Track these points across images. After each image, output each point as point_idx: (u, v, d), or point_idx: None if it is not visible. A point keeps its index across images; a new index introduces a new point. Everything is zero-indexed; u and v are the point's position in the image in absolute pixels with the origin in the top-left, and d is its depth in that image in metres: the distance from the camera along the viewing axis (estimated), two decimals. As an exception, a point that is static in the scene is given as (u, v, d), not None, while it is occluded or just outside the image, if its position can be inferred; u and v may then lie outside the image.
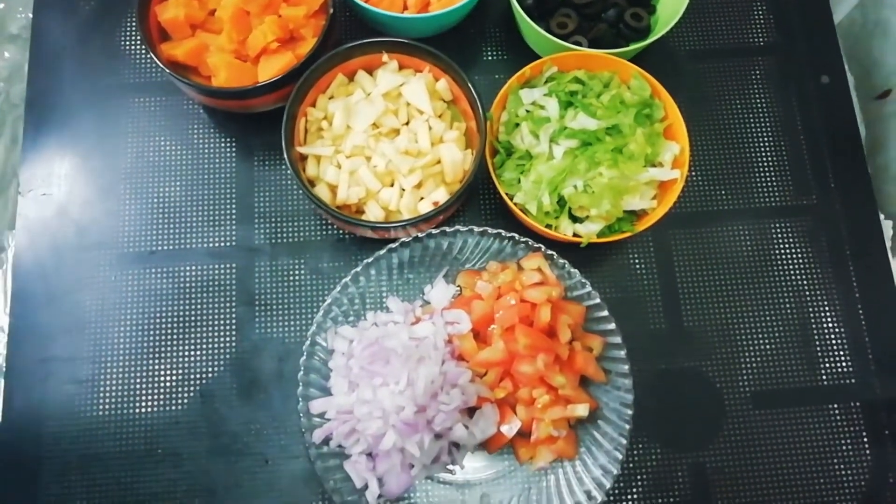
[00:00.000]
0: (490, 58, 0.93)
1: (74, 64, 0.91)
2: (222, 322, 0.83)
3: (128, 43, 0.92)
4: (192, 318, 0.83)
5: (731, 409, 0.82)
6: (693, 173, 0.89)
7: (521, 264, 0.79)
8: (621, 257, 0.86)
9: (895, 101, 0.96)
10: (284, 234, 0.86)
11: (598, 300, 0.76)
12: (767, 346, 0.84)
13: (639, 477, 0.79)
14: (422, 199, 0.80)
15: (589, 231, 0.77)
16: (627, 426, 0.73)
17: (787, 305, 0.85)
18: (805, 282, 0.86)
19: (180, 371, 0.81)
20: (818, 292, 0.86)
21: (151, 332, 0.82)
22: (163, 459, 0.79)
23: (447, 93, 0.83)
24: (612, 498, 0.79)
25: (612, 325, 0.76)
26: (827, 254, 0.87)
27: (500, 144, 0.81)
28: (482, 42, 0.93)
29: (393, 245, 0.77)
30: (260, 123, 0.87)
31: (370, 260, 0.78)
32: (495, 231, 0.77)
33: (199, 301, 0.83)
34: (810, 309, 0.85)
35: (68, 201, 0.87)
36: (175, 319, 0.83)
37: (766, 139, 0.91)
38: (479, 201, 0.87)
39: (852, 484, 0.80)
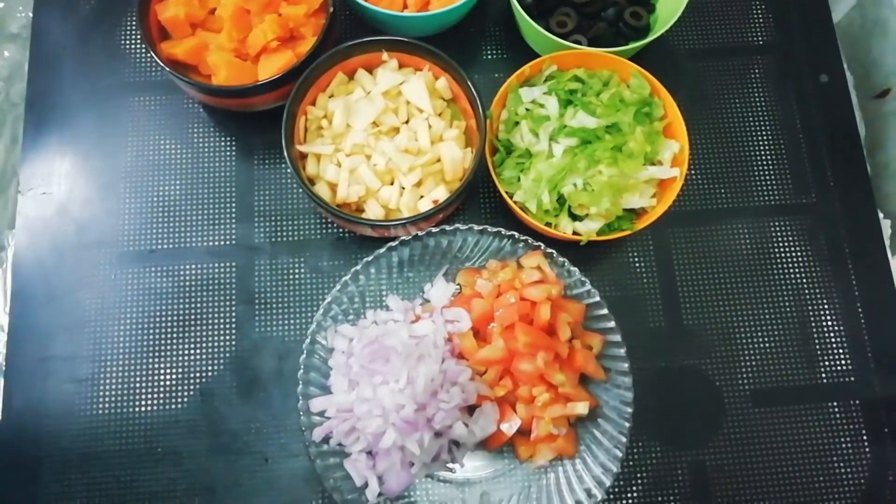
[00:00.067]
0: (489, 57, 0.93)
1: (74, 63, 0.91)
2: (222, 321, 0.83)
3: (128, 42, 0.92)
4: (192, 317, 0.83)
5: (731, 407, 0.82)
6: (692, 172, 0.89)
7: (521, 262, 0.79)
8: (621, 256, 0.86)
9: (894, 100, 0.96)
10: (284, 233, 0.86)
11: (597, 298, 0.77)
12: (767, 344, 0.84)
13: (639, 475, 0.79)
14: (421, 197, 0.80)
15: (588, 229, 0.78)
16: (627, 424, 0.73)
17: (787, 303, 0.85)
18: (804, 280, 0.86)
19: (180, 370, 0.81)
20: (817, 290, 0.86)
21: (151, 331, 0.82)
22: (163, 458, 0.79)
23: (447, 91, 0.83)
24: (612, 496, 0.79)
25: (612, 324, 0.76)
26: (826, 252, 0.87)
27: (499, 143, 0.81)
28: (482, 41, 0.93)
29: (393, 243, 0.78)
30: (260, 122, 0.87)
31: (370, 258, 0.78)
32: (495, 229, 0.77)
33: (198, 300, 0.83)
34: (809, 307, 0.85)
35: (68, 200, 0.87)
36: (175, 318, 0.83)
37: (765, 138, 0.91)
38: (479, 200, 0.87)
39: (852, 482, 0.80)
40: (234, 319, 0.83)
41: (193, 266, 0.85)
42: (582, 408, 0.75)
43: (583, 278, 0.77)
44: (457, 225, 0.78)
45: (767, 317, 0.85)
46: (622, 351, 0.75)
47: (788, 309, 0.85)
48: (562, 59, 0.81)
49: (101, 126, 0.89)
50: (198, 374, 0.81)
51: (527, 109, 0.81)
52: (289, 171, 0.87)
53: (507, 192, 0.79)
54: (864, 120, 0.98)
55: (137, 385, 0.81)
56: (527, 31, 0.87)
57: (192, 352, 0.82)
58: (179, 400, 0.80)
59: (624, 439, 0.73)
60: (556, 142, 0.78)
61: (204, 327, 0.83)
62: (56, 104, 0.89)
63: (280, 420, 0.80)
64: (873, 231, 0.88)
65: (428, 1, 0.85)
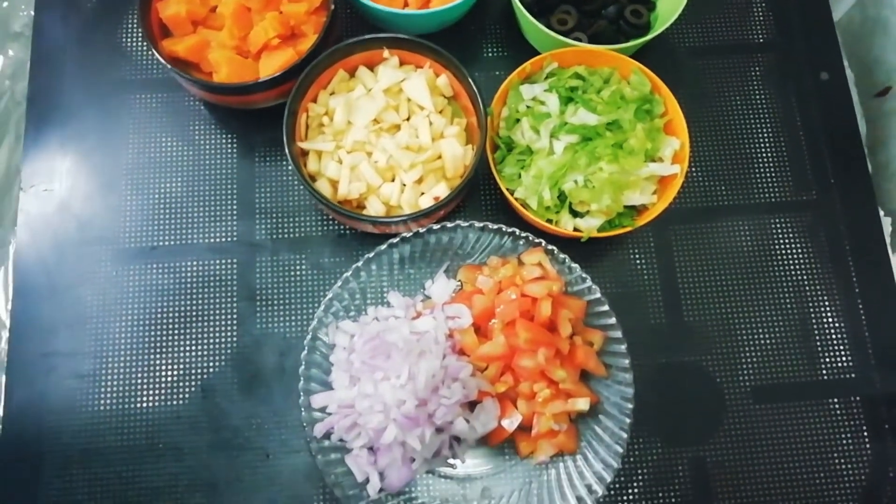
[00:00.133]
0: (490, 54, 0.93)
1: (76, 60, 0.91)
2: (223, 317, 0.83)
3: (129, 40, 0.92)
4: (194, 314, 0.83)
5: (732, 403, 0.82)
6: (693, 169, 0.89)
7: (522, 259, 0.79)
8: (621, 253, 0.86)
9: (895, 98, 0.96)
10: (285, 230, 0.86)
11: (598, 295, 0.77)
12: (767, 341, 0.84)
13: (639, 471, 0.80)
14: (422, 194, 0.80)
15: (589, 226, 0.78)
16: (628, 420, 0.73)
17: (787, 300, 0.86)
18: (805, 277, 0.86)
19: (182, 366, 0.82)
20: (818, 287, 0.86)
21: (153, 328, 0.83)
22: (164, 454, 0.79)
23: (448, 88, 0.83)
24: (612, 492, 0.79)
25: (613, 320, 0.76)
26: (826, 249, 0.87)
27: (500, 140, 0.81)
28: (482, 39, 0.93)
29: (394, 240, 0.78)
30: (261, 120, 0.87)
31: (371, 255, 0.78)
32: (496, 226, 0.78)
33: (200, 296, 0.84)
34: (810, 304, 0.85)
35: (70, 197, 0.87)
36: (176, 315, 0.83)
37: (765, 135, 0.91)
38: (480, 197, 0.87)
39: (852, 478, 0.80)
40: (235, 316, 0.83)
41: (195, 263, 0.85)
42: (583, 404, 0.75)
43: (584, 275, 0.77)
44: (458, 222, 0.78)
45: (768, 313, 0.85)
46: (623, 347, 0.75)
47: (789, 305, 0.85)
48: (562, 56, 0.82)
49: (102, 123, 0.89)
50: (199, 371, 0.81)
51: (528, 106, 0.81)
52: (290, 168, 0.87)
53: (507, 189, 0.79)
54: (865, 118, 0.98)
55: (139, 381, 0.81)
56: (528, 29, 0.87)
57: (193, 348, 0.82)
58: (181, 396, 0.81)
59: (625, 435, 0.73)
60: (556, 139, 0.78)
61: (205, 324, 0.83)
62: (57, 102, 0.90)
63: (281, 416, 0.80)
64: (874, 228, 0.88)
65: (429, -1, 0.86)
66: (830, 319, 0.85)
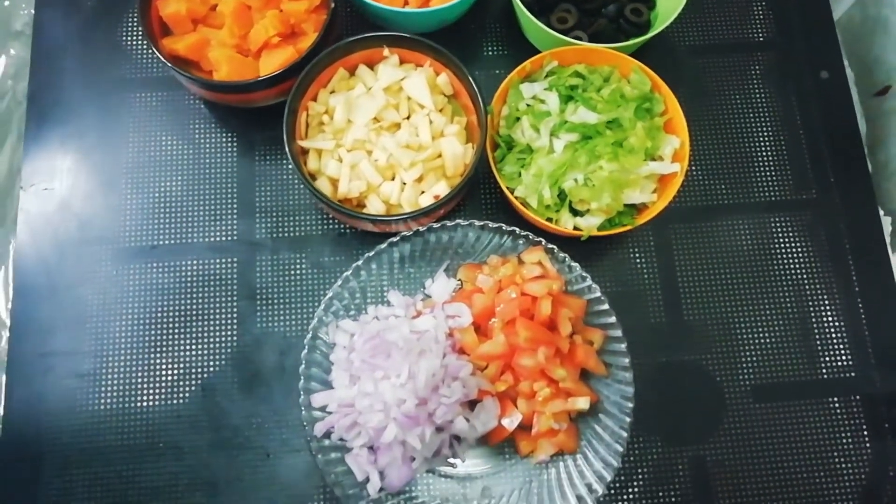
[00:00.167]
0: (490, 53, 0.93)
1: (76, 59, 0.91)
2: (223, 316, 0.83)
3: (129, 38, 0.92)
4: (194, 313, 0.83)
5: (732, 402, 0.82)
6: (693, 168, 0.89)
7: (522, 258, 0.79)
8: (621, 252, 0.86)
9: (894, 97, 0.96)
10: (286, 229, 0.86)
11: (598, 294, 0.77)
12: (767, 340, 0.84)
13: (640, 470, 0.80)
14: (423, 192, 0.80)
15: (589, 224, 0.78)
16: (628, 419, 0.73)
17: (787, 299, 0.86)
18: (805, 276, 0.86)
19: (182, 365, 0.81)
20: (818, 286, 0.86)
21: (153, 327, 0.83)
22: (164, 453, 0.79)
23: (448, 87, 0.83)
24: (612, 491, 0.79)
25: (613, 319, 0.76)
26: (826, 248, 0.87)
27: (500, 138, 0.81)
28: (482, 38, 0.93)
29: (394, 239, 0.78)
30: (261, 119, 0.87)
31: (371, 254, 0.78)
32: (496, 225, 0.78)
33: (200, 295, 0.84)
34: (810, 303, 0.85)
35: (70, 196, 0.87)
36: (176, 314, 0.83)
37: (765, 134, 0.91)
38: (480, 195, 0.87)
39: (852, 477, 0.80)
40: (235, 315, 0.83)
41: (195, 262, 0.85)
42: (583, 403, 0.75)
43: (584, 274, 0.77)
44: (458, 220, 0.78)
45: (768, 312, 0.85)
46: (623, 346, 0.75)
47: (789, 304, 0.85)
48: (562, 54, 0.82)
49: (102, 122, 0.89)
50: (199, 370, 0.81)
51: (528, 105, 0.81)
52: (290, 166, 0.87)
53: (507, 188, 0.79)
54: (865, 117, 0.98)
55: (139, 380, 0.81)
56: (528, 28, 0.87)
57: (193, 347, 0.82)
58: (181, 395, 0.81)
59: (625, 434, 0.73)
60: (556, 137, 0.78)
61: (205, 323, 0.83)
62: (58, 100, 0.90)
63: (281, 415, 0.80)
64: (874, 226, 0.88)
65: (429, -3, 0.86)
66: (830, 318, 0.85)
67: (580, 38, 0.85)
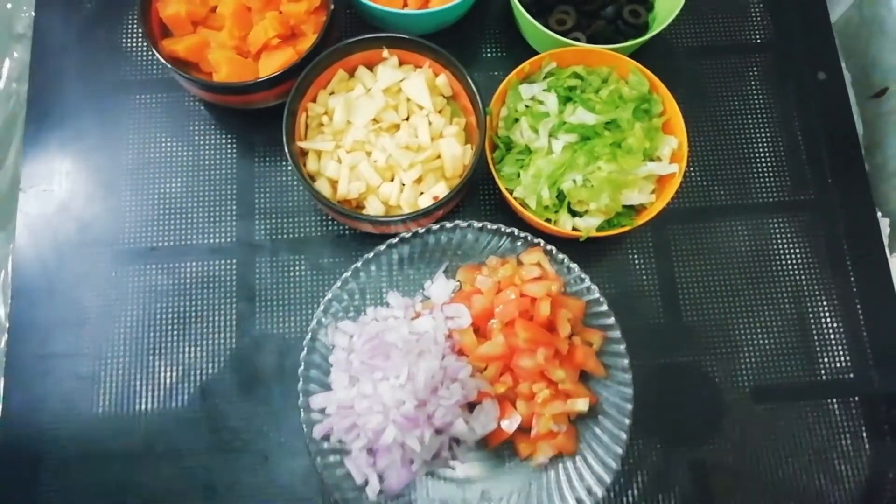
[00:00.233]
0: (489, 55, 0.93)
1: (76, 61, 0.91)
2: (222, 318, 0.83)
3: (129, 40, 0.92)
4: (193, 315, 0.83)
5: (731, 404, 0.82)
6: (691, 170, 0.89)
7: (521, 259, 0.79)
8: (620, 253, 0.86)
9: (892, 99, 0.97)
10: (285, 231, 0.86)
11: (597, 295, 0.77)
12: (766, 341, 0.84)
13: (639, 472, 0.79)
14: (422, 193, 0.80)
15: (588, 225, 0.78)
16: (627, 421, 0.73)
17: (786, 300, 0.86)
18: (803, 277, 0.86)
19: (180, 367, 0.81)
20: (816, 287, 0.86)
21: (152, 329, 0.82)
22: (162, 456, 0.79)
23: (447, 88, 0.83)
24: (612, 494, 0.79)
25: (612, 320, 0.76)
26: (825, 249, 0.87)
27: (499, 139, 0.82)
28: (481, 39, 0.94)
29: (393, 241, 0.78)
30: (260, 120, 0.87)
31: (370, 255, 0.78)
32: (495, 226, 0.78)
33: (199, 297, 0.83)
34: (808, 304, 0.85)
35: (69, 198, 0.87)
36: (175, 315, 0.83)
37: (763, 135, 0.91)
38: (479, 197, 0.87)
39: (852, 478, 0.80)
40: (234, 317, 0.83)
41: (194, 263, 0.85)
42: (582, 404, 0.74)
43: (582, 275, 0.77)
44: (457, 222, 0.78)
45: (767, 313, 0.85)
46: (622, 347, 0.75)
47: (787, 306, 0.85)
48: (561, 56, 0.82)
49: (102, 124, 0.89)
50: (198, 372, 0.81)
51: (526, 106, 0.81)
52: (289, 168, 0.87)
53: (506, 189, 0.79)
54: (862, 119, 0.98)
55: (137, 383, 0.81)
56: (526, 29, 0.87)
57: (192, 349, 0.82)
58: (180, 398, 0.80)
59: (624, 436, 0.73)
60: (555, 138, 0.78)
61: (204, 325, 0.83)
62: (57, 102, 0.90)
63: (280, 418, 0.80)
64: (871, 227, 0.88)
65: (428, -1, 0.86)
66: (829, 319, 0.85)
67: (579, 40, 0.85)
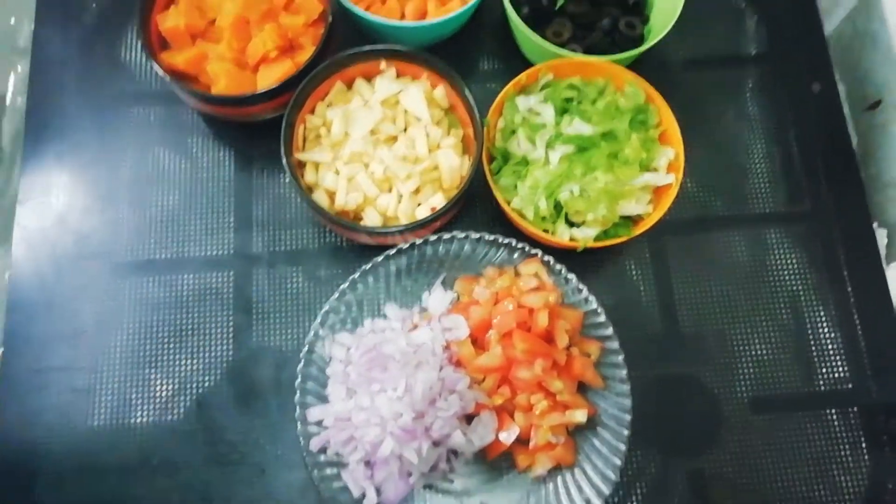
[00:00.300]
0: (485, 67, 0.94)
1: (75, 74, 0.91)
2: (219, 330, 0.83)
3: (128, 53, 0.93)
4: (190, 327, 0.83)
5: (729, 414, 0.81)
6: (688, 181, 0.90)
7: (519, 270, 0.79)
8: (617, 264, 0.87)
9: (886, 111, 0.97)
10: (282, 242, 0.86)
11: (595, 305, 0.77)
12: (764, 352, 0.84)
13: (638, 484, 0.79)
14: (419, 205, 0.80)
15: (585, 236, 0.78)
16: (626, 432, 0.73)
17: (783, 311, 0.86)
18: (800, 287, 0.87)
19: (177, 380, 0.81)
20: (813, 298, 0.86)
21: (148, 341, 0.82)
22: (158, 469, 0.78)
23: (444, 100, 0.84)
24: (611, 505, 0.78)
25: (610, 331, 0.76)
26: (821, 259, 0.88)
27: (496, 151, 0.82)
28: (478, 52, 0.94)
29: (390, 252, 0.78)
30: (258, 133, 0.87)
31: (368, 267, 0.78)
32: (492, 237, 0.78)
33: (196, 309, 0.83)
34: (806, 314, 0.86)
35: (67, 210, 0.87)
36: (172, 328, 0.83)
37: (759, 146, 0.92)
38: (477, 208, 0.88)
39: (852, 489, 0.79)
40: (231, 329, 0.83)
41: (191, 276, 0.84)
42: (580, 415, 0.74)
43: (580, 286, 0.77)
44: (454, 233, 0.78)
45: (764, 324, 0.85)
46: (620, 358, 0.75)
47: (785, 316, 0.85)
48: (558, 67, 0.82)
49: (100, 137, 0.89)
50: (195, 385, 0.81)
51: (523, 118, 0.81)
52: (287, 180, 0.87)
53: (504, 200, 0.79)
54: (857, 132, 0.98)
55: (134, 396, 0.80)
56: (523, 42, 0.88)
57: (189, 362, 0.82)
58: (176, 410, 0.80)
59: (623, 447, 0.73)
60: (552, 149, 0.79)
61: (201, 337, 0.82)
62: (56, 115, 0.90)
63: (277, 430, 0.79)
64: (868, 237, 0.89)
65: (425, 11, 0.86)
66: (826, 330, 0.85)
67: (575, 52, 0.85)
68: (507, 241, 0.78)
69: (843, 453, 0.81)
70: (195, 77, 0.84)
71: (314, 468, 0.73)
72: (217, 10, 0.83)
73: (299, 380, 0.75)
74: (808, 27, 0.97)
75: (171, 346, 0.82)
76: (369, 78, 0.84)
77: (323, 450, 0.74)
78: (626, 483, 0.79)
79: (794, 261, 0.88)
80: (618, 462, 0.73)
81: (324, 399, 0.76)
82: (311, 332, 0.76)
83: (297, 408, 0.74)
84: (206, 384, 0.81)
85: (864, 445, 0.81)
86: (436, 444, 0.73)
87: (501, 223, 0.86)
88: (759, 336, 0.85)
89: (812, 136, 0.93)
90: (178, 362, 0.82)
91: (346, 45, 0.82)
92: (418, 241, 0.78)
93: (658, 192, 0.81)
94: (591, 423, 0.76)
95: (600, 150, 0.77)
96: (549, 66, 0.82)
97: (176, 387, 0.81)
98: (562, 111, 0.80)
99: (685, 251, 0.87)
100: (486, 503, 0.76)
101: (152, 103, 0.91)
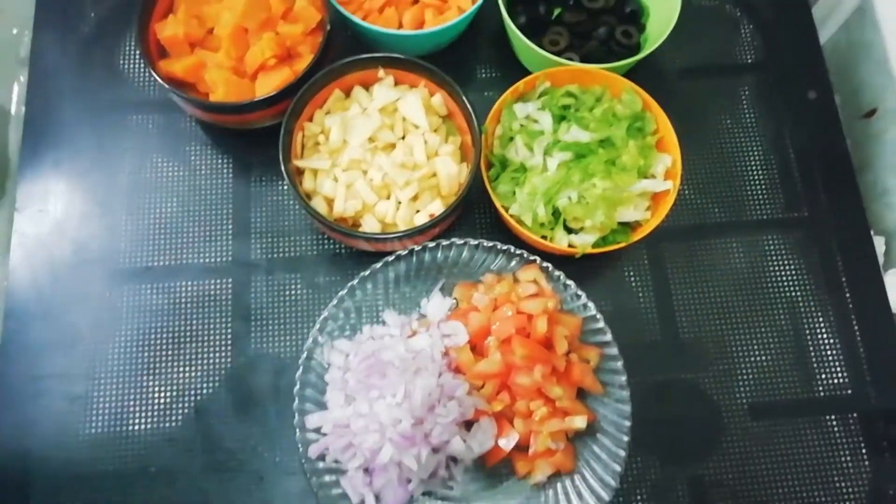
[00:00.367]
0: (483, 76, 0.94)
1: (73, 82, 0.92)
2: (218, 337, 0.82)
3: (126, 62, 0.93)
4: (188, 334, 0.82)
5: (729, 421, 0.81)
6: (685, 187, 0.90)
7: (517, 276, 0.79)
8: (616, 271, 0.87)
9: (881, 119, 0.98)
10: (281, 250, 0.86)
11: (593, 312, 0.77)
12: (763, 358, 0.84)
13: (638, 490, 0.79)
14: (418, 211, 0.80)
15: (584, 242, 0.78)
16: (626, 438, 0.73)
17: (782, 317, 0.86)
18: (798, 294, 0.87)
19: (175, 387, 0.81)
20: (812, 304, 0.86)
21: (146, 349, 0.82)
22: (156, 478, 0.78)
23: (442, 108, 0.84)
24: (611, 512, 0.78)
25: (609, 337, 0.76)
26: (819, 266, 0.88)
27: (494, 158, 0.82)
28: (475, 60, 0.95)
29: (389, 258, 0.78)
30: (257, 141, 0.87)
31: (366, 273, 0.78)
32: (491, 244, 0.78)
33: (194, 317, 0.83)
34: (804, 320, 0.86)
35: (65, 218, 0.87)
36: (170, 335, 0.82)
37: (755, 153, 0.92)
38: (475, 215, 0.88)
39: (852, 495, 0.79)
40: (229, 336, 0.82)
41: (189, 283, 0.84)
42: (580, 422, 0.74)
43: (579, 292, 0.77)
44: (453, 239, 0.78)
45: (763, 330, 0.85)
46: (619, 364, 0.75)
47: (783, 323, 0.86)
48: (555, 75, 0.83)
49: (98, 145, 0.90)
50: (193, 392, 0.80)
51: (521, 125, 0.82)
52: (285, 187, 0.88)
53: (502, 206, 0.79)
54: (853, 140, 0.99)
55: (131, 403, 0.80)
56: (521, 50, 0.88)
57: (187, 369, 0.81)
58: (174, 418, 0.80)
59: (623, 454, 0.72)
60: (550, 156, 0.79)
61: (199, 344, 0.82)
62: (54, 123, 0.90)
63: (275, 438, 0.79)
64: (865, 243, 0.89)
65: (422, 20, 0.87)
66: (825, 336, 0.85)
67: (572, 60, 0.86)
68: (505, 247, 0.78)
69: (843, 459, 0.80)
70: (193, 85, 0.84)
71: (313, 475, 0.72)
72: (215, 19, 0.83)
73: (298, 387, 0.75)
74: (803, 36, 0.98)
75: (169, 353, 0.82)
76: (367, 86, 0.85)
77: (322, 457, 0.74)
78: (625, 489, 0.79)
79: (793, 267, 0.88)
80: (618, 468, 0.72)
81: (322, 406, 0.76)
82: (310, 339, 0.76)
83: (296, 415, 0.74)
84: (204, 391, 0.80)
85: (864, 451, 0.81)
86: (435, 450, 0.73)
87: (500, 230, 0.87)
88: (758, 342, 0.85)
89: (809, 143, 0.93)
90: (175, 370, 0.81)
91: (345, 53, 0.82)
92: (417, 248, 0.78)
93: (656, 198, 0.81)
94: (591, 430, 0.76)
95: (598, 157, 0.77)
96: (547, 74, 0.83)
97: (174, 394, 0.80)
98: (559, 118, 0.81)
99: (683, 257, 0.87)
100: (486, 511, 0.75)
101: (150, 111, 0.91)
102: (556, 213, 0.78)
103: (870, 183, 0.98)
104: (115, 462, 0.78)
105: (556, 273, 0.77)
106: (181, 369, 0.81)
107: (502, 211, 0.79)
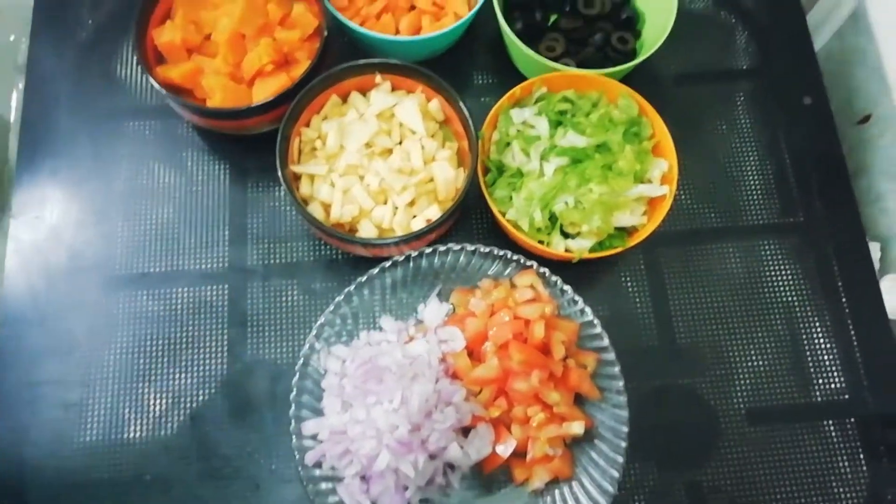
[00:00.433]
0: (479, 82, 0.94)
1: (70, 88, 0.92)
2: (214, 344, 0.82)
3: (123, 68, 0.93)
4: (184, 341, 0.82)
5: (726, 426, 0.81)
6: (681, 193, 0.90)
7: (514, 281, 0.79)
8: (612, 276, 0.87)
9: (875, 125, 0.98)
10: (277, 255, 0.86)
11: (591, 317, 0.77)
12: (760, 363, 0.84)
13: (636, 496, 0.78)
14: (414, 216, 0.80)
15: (580, 247, 0.78)
16: (623, 444, 0.73)
17: (778, 322, 0.86)
18: (795, 299, 0.87)
19: (171, 394, 0.80)
20: (808, 309, 0.86)
21: (142, 355, 0.82)
22: (151, 486, 0.77)
23: (439, 113, 0.84)
24: (609, 518, 0.78)
25: (606, 342, 0.76)
26: (815, 271, 0.88)
27: (491, 163, 0.82)
28: (472, 66, 0.95)
29: (386, 264, 0.78)
30: (253, 146, 0.87)
31: (363, 279, 0.78)
32: (487, 249, 0.78)
33: (190, 323, 0.83)
34: (801, 325, 0.86)
35: (61, 224, 0.86)
36: (166, 342, 0.82)
37: (751, 158, 0.93)
38: (472, 220, 0.88)
39: (850, 500, 0.79)
40: (226, 343, 0.82)
41: (185, 289, 0.84)
42: (577, 427, 0.74)
43: (576, 297, 0.77)
44: (450, 245, 0.78)
45: (760, 335, 0.85)
46: (616, 370, 0.75)
47: (780, 328, 0.86)
48: (551, 81, 0.83)
49: (95, 151, 0.89)
50: (189, 399, 0.80)
51: (518, 130, 0.82)
52: (282, 193, 0.87)
53: (499, 211, 0.79)
54: (848, 146, 0.99)
55: (127, 410, 0.80)
56: (517, 56, 0.89)
57: (183, 376, 0.81)
58: (170, 425, 0.79)
59: (620, 460, 0.72)
60: (546, 161, 0.79)
61: (195, 351, 0.82)
62: (50, 129, 0.90)
63: (272, 444, 0.79)
64: (861, 248, 0.89)
65: (419, 26, 0.87)
66: (822, 341, 0.85)
67: (568, 66, 0.86)
68: (502, 252, 0.78)
69: (840, 464, 0.80)
70: (190, 91, 0.84)
71: (309, 483, 0.72)
72: (213, 26, 0.83)
73: (294, 393, 0.74)
74: (797, 42, 0.99)
75: (165, 359, 0.81)
76: (364, 91, 0.85)
77: (318, 464, 0.73)
78: (623, 495, 0.78)
79: (789, 272, 0.88)
80: (616, 474, 0.72)
81: (319, 412, 0.75)
82: (307, 345, 0.76)
83: (293, 421, 0.73)
84: (200, 398, 0.80)
85: (861, 456, 0.81)
86: (432, 456, 0.73)
87: (496, 235, 0.87)
88: (754, 347, 0.85)
89: (804, 148, 0.93)
90: (171, 376, 0.81)
91: (342, 59, 0.82)
92: (413, 254, 0.78)
93: (652, 203, 0.81)
94: (589, 436, 0.76)
95: (594, 162, 0.78)
96: (543, 79, 0.83)
97: (169, 401, 0.80)
98: (556, 123, 0.81)
99: (680, 262, 0.87)
100: (483, 517, 0.75)
101: (147, 118, 0.91)
102: (552, 218, 0.78)
103: (864, 188, 0.98)
104: (110, 470, 0.78)
105: (553, 278, 0.77)
106: (177, 376, 0.81)
107: (499, 216, 0.79)
